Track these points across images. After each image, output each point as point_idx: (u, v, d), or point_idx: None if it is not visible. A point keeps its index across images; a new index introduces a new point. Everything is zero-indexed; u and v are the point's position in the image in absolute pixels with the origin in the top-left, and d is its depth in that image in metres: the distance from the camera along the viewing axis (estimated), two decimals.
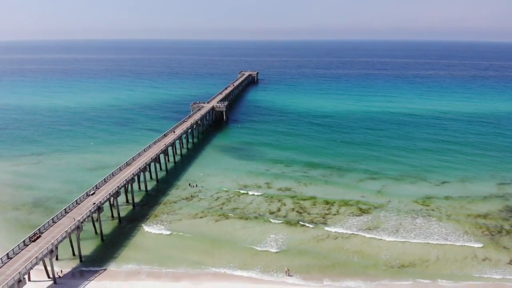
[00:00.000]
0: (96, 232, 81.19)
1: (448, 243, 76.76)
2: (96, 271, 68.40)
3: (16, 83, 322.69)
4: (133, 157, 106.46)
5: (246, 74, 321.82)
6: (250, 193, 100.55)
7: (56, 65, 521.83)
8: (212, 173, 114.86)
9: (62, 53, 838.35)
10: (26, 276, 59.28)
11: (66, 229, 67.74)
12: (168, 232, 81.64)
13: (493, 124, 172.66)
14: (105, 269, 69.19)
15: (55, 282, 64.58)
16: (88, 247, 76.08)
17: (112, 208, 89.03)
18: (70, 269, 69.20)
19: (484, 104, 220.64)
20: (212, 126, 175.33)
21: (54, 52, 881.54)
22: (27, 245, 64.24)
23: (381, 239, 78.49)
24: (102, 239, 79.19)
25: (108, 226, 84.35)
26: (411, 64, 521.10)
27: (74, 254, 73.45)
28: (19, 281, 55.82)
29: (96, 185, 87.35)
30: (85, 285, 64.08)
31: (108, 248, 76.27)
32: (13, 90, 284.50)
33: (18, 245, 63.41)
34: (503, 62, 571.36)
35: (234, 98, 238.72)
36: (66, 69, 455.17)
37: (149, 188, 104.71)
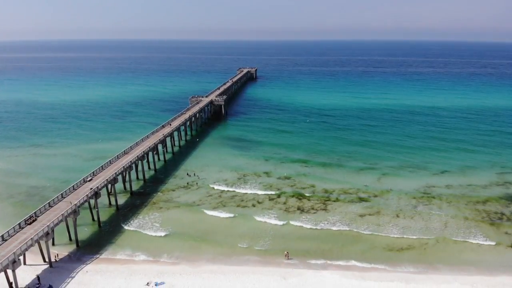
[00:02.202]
0: (93, 219, 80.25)
1: (448, 227, 76.30)
2: (92, 256, 67.46)
3: (12, 80, 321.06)
4: (130, 146, 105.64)
5: (245, 70, 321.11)
6: (249, 181, 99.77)
7: (53, 63, 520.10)
8: (210, 164, 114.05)
9: (59, 52, 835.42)
10: (21, 258, 58.36)
11: (63, 213, 66.78)
12: (166, 219, 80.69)
13: (491, 119, 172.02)
14: (102, 254, 68.27)
15: (51, 266, 63.63)
16: (85, 233, 75.18)
17: (110, 196, 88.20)
18: (67, 254, 68.28)
19: (482, 100, 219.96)
20: (210, 120, 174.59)
21: (51, 51, 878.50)
22: (23, 228, 63.26)
23: (380, 224, 77.88)
24: (99, 225, 78.25)
25: (105, 213, 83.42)
26: (409, 62, 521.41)
27: (70, 240, 72.55)
28: (14, 261, 54.86)
29: (93, 172, 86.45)
30: (82, 268, 63.13)
31: (105, 234, 75.37)
32: (8, 86, 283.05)
33: (14, 227, 62.44)
34: (500, 60, 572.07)
35: (233, 94, 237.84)
36: (63, 67, 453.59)
37: (147, 177, 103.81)
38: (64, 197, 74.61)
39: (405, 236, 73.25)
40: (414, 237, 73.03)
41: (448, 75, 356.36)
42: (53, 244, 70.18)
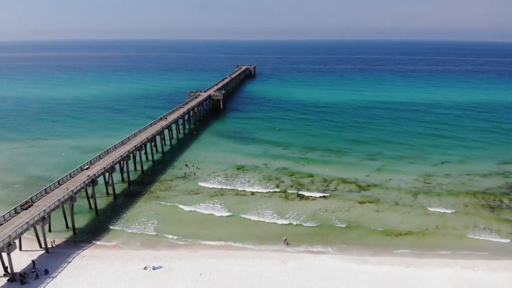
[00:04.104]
0: (90, 207, 79.56)
1: (448, 214, 76.01)
2: (89, 242, 66.80)
3: (7, 78, 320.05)
4: (128, 137, 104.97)
5: (244, 67, 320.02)
6: (248, 172, 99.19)
7: (50, 61, 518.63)
8: (209, 155, 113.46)
9: (55, 52, 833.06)
10: (16, 241, 57.58)
11: (59, 198, 66.04)
12: (164, 207, 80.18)
13: (489, 113, 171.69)
14: (99, 240, 67.62)
15: (47, 251, 62.88)
16: (82, 221, 74.40)
17: (107, 185, 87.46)
18: (63, 240, 67.56)
19: (480, 95, 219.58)
20: (209, 114, 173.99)
21: (49, 51, 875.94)
22: (18, 213, 62.48)
23: (379, 210, 77.61)
24: (96, 213, 77.53)
25: (103, 202, 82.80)
26: (406, 60, 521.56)
27: (67, 227, 71.75)
28: (9, 245, 54.08)
29: (90, 161, 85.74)
30: (78, 253, 62.41)
31: (103, 221, 74.67)
32: (4, 84, 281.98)
33: (9, 212, 61.64)
34: (498, 58, 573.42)
35: (232, 89, 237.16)
36: (62, 66, 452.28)
37: (145, 168, 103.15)
38: (61, 184, 73.80)
39: (404, 222, 72.85)
40: (414, 223, 72.61)
41: (446, 72, 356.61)
42: (49, 230, 69.37)
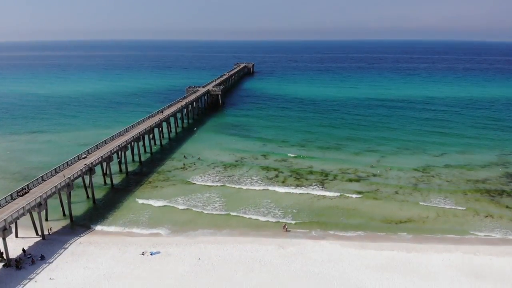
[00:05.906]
0: (88, 197, 78.84)
1: (448, 202, 75.50)
2: (86, 229, 66.14)
3: (5, 76, 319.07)
4: (126, 128, 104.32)
5: (242, 65, 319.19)
6: (246, 164, 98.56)
7: (49, 60, 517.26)
8: (208, 148, 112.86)
9: (53, 51, 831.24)
10: (12, 226, 56.82)
11: (56, 185, 65.30)
12: (161, 197, 79.23)
13: (488, 110, 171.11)
14: (96, 227, 66.98)
15: (43, 238, 62.18)
16: (79, 209, 73.74)
17: (105, 175, 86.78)
18: (60, 227, 66.86)
19: (478, 91, 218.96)
20: (207, 109, 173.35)
21: (49, 51, 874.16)
22: (15, 199, 61.74)
23: (378, 199, 77.21)
24: (94, 202, 76.86)
25: (100, 192, 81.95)
26: (405, 59, 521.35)
27: (64, 215, 71.09)
28: (5, 229, 53.34)
29: (88, 150, 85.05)
30: (75, 240, 61.71)
31: (100, 210, 73.93)
32: (2, 81, 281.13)
33: (5, 198, 60.85)
34: (495, 57, 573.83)
35: (230, 86, 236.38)
36: (57, 65, 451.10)
37: (143, 159, 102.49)
38: (58, 172, 73.04)
39: (404, 210, 72.34)
40: (414, 211, 72.03)
41: (444, 70, 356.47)
42: (46, 219, 68.71)
